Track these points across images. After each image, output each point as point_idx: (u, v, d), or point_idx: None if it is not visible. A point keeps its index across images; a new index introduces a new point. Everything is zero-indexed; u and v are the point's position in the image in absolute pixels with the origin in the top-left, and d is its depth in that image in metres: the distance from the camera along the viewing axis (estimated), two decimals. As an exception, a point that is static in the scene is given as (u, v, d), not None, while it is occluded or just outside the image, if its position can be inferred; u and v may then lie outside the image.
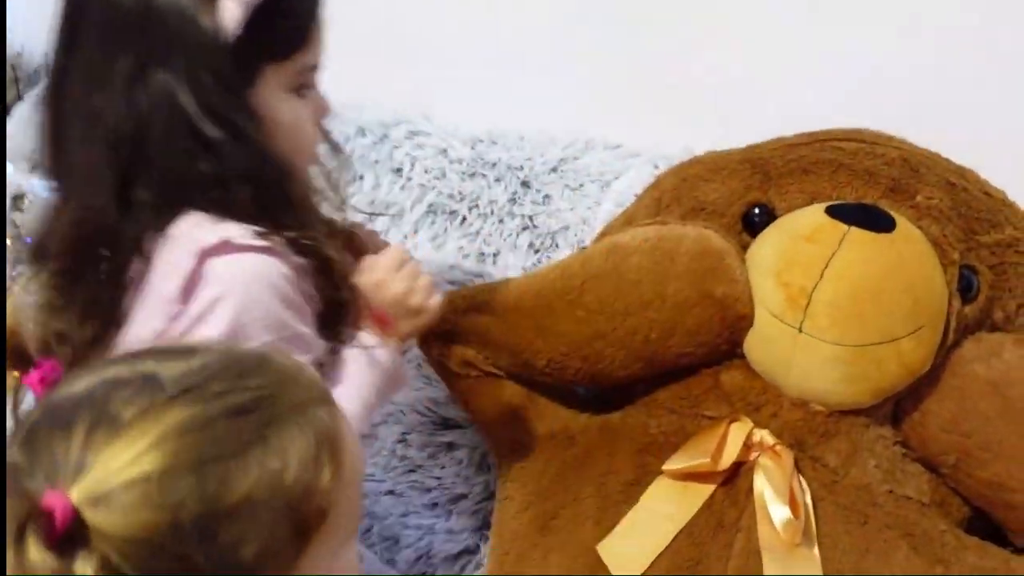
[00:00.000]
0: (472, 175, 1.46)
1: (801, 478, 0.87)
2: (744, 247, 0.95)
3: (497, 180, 1.44)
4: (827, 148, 0.98)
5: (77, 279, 0.75)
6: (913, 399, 0.90)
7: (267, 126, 0.75)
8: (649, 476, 0.91)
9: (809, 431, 0.90)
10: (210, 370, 0.47)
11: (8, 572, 0.40)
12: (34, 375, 0.56)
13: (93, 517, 0.41)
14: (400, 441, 1.10)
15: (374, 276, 0.82)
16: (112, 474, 0.42)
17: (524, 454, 1.00)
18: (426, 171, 1.48)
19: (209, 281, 0.72)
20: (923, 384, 0.89)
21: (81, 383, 0.46)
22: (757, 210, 0.97)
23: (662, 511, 0.86)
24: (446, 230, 1.43)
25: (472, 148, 1.49)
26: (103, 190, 0.72)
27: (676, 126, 1.45)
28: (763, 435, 0.89)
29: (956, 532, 0.90)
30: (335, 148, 0.89)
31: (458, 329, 1.00)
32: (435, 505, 1.04)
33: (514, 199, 1.41)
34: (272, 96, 0.76)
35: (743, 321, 0.91)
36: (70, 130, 0.75)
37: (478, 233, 1.41)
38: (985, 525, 0.92)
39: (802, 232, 0.88)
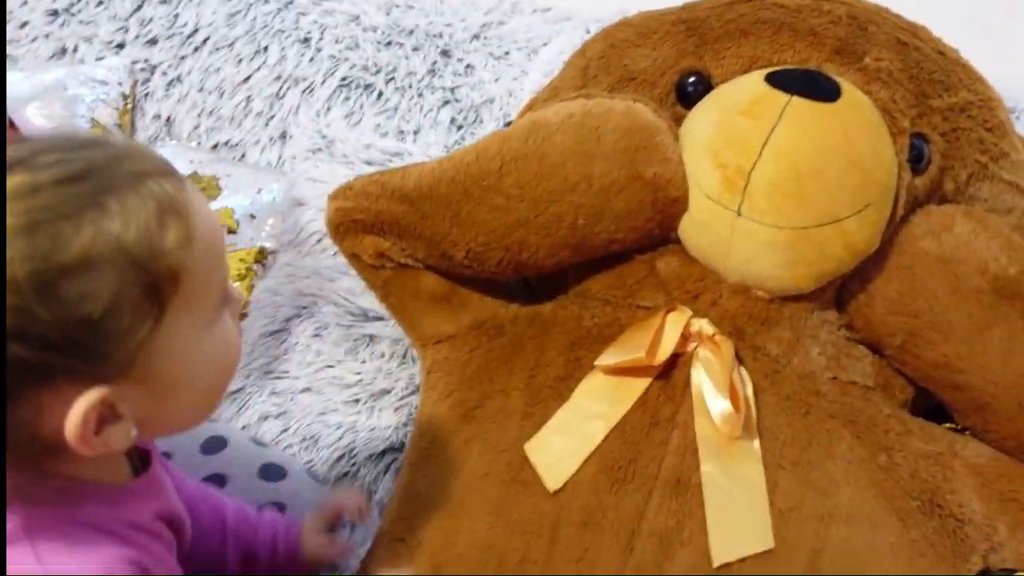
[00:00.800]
0: (388, 44, 1.34)
1: (742, 369, 0.82)
2: (678, 120, 0.87)
3: (415, 49, 1.33)
4: (768, 6, 0.89)
5: None
6: (859, 280, 0.84)
7: None
8: (581, 371, 0.85)
9: (750, 319, 0.84)
10: (39, 145, 0.49)
11: None
12: None
13: None
14: (315, 336, 1.03)
15: None
16: None
17: (448, 344, 0.93)
18: (337, 41, 1.35)
19: None
20: (870, 263, 0.83)
21: None
22: (692, 79, 0.89)
23: (594, 409, 0.81)
24: (361, 106, 1.32)
25: (387, 14, 1.37)
26: None
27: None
28: (702, 325, 0.83)
29: (900, 416, 0.86)
30: None
31: (370, 219, 0.92)
32: (356, 401, 0.97)
33: (434, 70, 1.30)
34: None
35: (677, 204, 0.83)
36: None
37: (396, 109, 1.30)
38: (928, 403, 0.89)
39: (739, 105, 0.80)
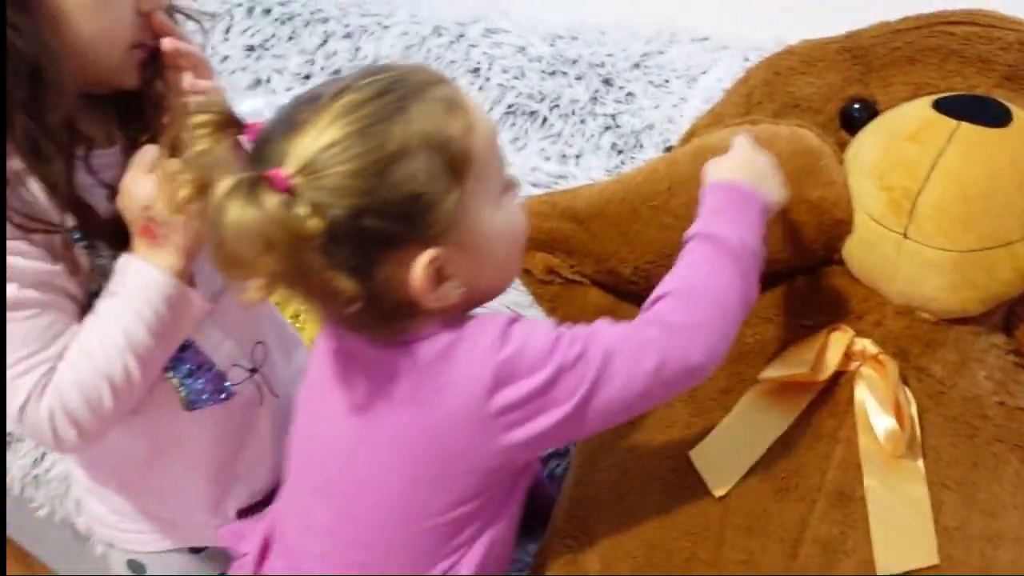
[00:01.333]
0: (552, 73, 1.42)
1: (906, 388, 0.84)
2: (842, 145, 0.89)
3: (578, 78, 1.40)
4: (936, 33, 0.90)
5: None
6: (1028, 303, 0.85)
7: (51, 14, 0.69)
8: (743, 384, 0.88)
9: (914, 340, 0.86)
10: (351, 77, 0.64)
11: (229, 217, 0.56)
12: (251, 133, 0.64)
13: (301, 180, 0.59)
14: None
15: (123, 180, 0.76)
16: (304, 150, 0.60)
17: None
18: (504, 71, 1.45)
19: None
20: (1041, 287, 0.83)
21: (276, 115, 0.64)
22: (857, 105, 0.91)
23: (757, 420, 0.84)
24: (526, 132, 1.40)
25: (551, 45, 1.45)
26: None
27: (768, 14, 1.37)
28: (865, 344, 0.85)
29: (1071, 443, 0.85)
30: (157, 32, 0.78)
31: (542, 236, 0.98)
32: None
33: (596, 98, 1.37)
34: None
35: (841, 226, 0.86)
36: None
37: (559, 134, 1.37)
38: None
39: (906, 129, 0.82)
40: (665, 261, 0.90)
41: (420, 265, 0.62)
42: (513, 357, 0.65)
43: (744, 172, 0.77)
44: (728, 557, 0.76)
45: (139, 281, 0.74)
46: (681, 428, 0.87)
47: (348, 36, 1.58)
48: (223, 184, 0.57)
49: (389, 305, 0.64)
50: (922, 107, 0.83)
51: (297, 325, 1.28)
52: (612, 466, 0.86)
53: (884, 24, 0.96)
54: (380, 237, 0.61)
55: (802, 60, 0.97)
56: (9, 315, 0.72)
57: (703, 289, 0.71)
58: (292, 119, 0.61)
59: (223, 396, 0.86)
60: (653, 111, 1.32)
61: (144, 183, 0.74)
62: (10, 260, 0.71)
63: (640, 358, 0.67)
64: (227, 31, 1.62)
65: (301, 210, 0.57)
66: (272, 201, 0.56)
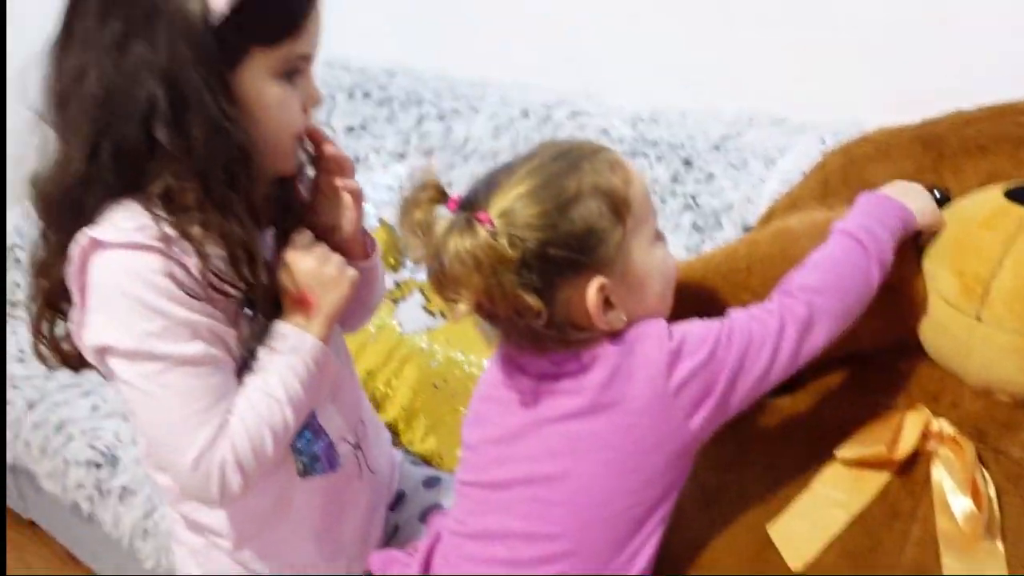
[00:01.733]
0: (634, 155, 1.48)
1: (984, 470, 0.85)
2: (918, 231, 0.93)
3: (659, 159, 1.46)
4: (1008, 122, 0.94)
5: (50, 237, 0.84)
6: (1107, 388, 0.85)
7: (251, 106, 0.80)
8: (820, 462, 0.90)
9: (991, 422, 0.87)
10: (536, 147, 0.80)
11: (451, 245, 0.72)
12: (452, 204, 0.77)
13: (500, 221, 0.73)
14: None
15: (286, 257, 0.88)
16: (502, 200, 0.74)
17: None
18: (589, 152, 1.51)
19: (89, 278, 0.79)
20: (1120, 373, 0.84)
21: (479, 180, 0.79)
22: (935, 194, 0.94)
23: (834, 497, 0.86)
24: (609, 210, 1.45)
25: (633, 127, 1.51)
26: (78, 146, 0.78)
27: (844, 98, 1.41)
28: (942, 425, 0.87)
29: None
30: (314, 137, 0.91)
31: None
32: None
33: (676, 178, 1.43)
34: (257, 79, 0.80)
35: (916, 307, 0.89)
36: (64, 83, 0.80)
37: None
38: None
39: (978, 217, 0.85)
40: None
41: (593, 289, 0.76)
42: (680, 343, 0.78)
43: (896, 189, 0.89)
44: (805, 631, 0.78)
45: (296, 343, 0.86)
46: (759, 503, 0.89)
47: (441, 118, 1.68)
48: (443, 223, 0.74)
49: (567, 323, 0.77)
50: (994, 195, 0.86)
51: (388, 391, 1.36)
52: (692, 538, 0.90)
53: (958, 113, 1.00)
54: (561, 263, 0.74)
55: (876, 148, 1.02)
56: (191, 370, 0.81)
57: (837, 279, 0.83)
58: (492, 180, 0.77)
59: (333, 466, 0.94)
60: (732, 192, 1.36)
61: (304, 260, 0.87)
62: (202, 320, 0.81)
63: (781, 332, 0.80)
64: (330, 113, 1.74)
65: (502, 240, 0.72)
66: (482, 232, 0.71)
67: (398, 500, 1.11)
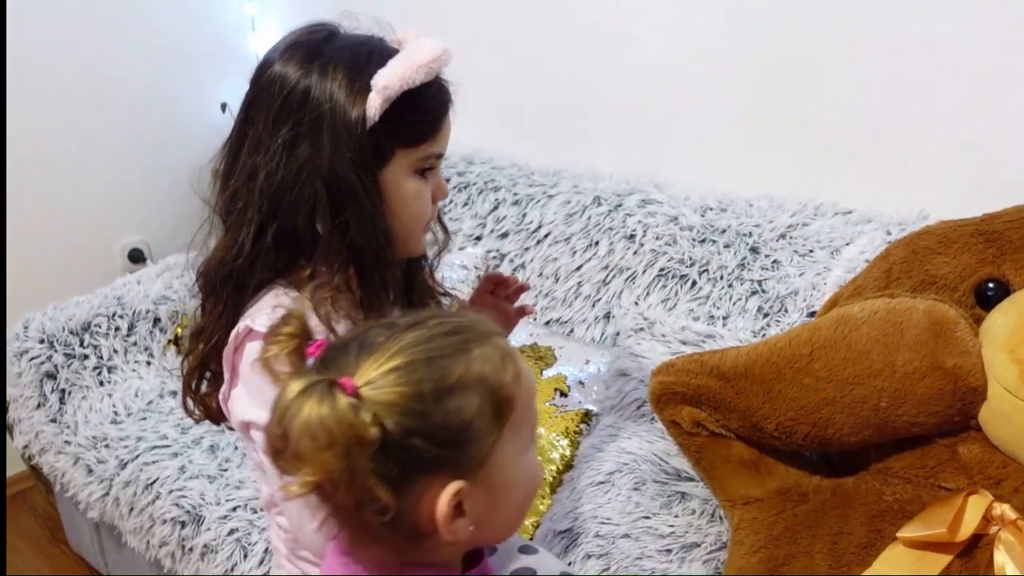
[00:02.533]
0: (702, 241, 1.54)
1: (1043, 552, 0.87)
2: (978, 320, 0.96)
3: (726, 246, 1.51)
4: (1067, 219, 0.98)
5: (211, 308, 0.94)
6: None
7: (391, 199, 0.90)
8: (882, 541, 0.93)
9: (1054, 508, 0.89)
10: (427, 314, 0.71)
11: (303, 413, 0.61)
12: (313, 347, 0.71)
13: (367, 392, 0.63)
14: (635, 489, 1.18)
15: None
16: (373, 366, 0.64)
17: (755, 506, 1.05)
18: (658, 238, 1.58)
19: (241, 360, 0.88)
20: None
21: (349, 335, 0.71)
22: (992, 284, 0.98)
23: (894, 577, 0.89)
24: (676, 293, 1.51)
25: (702, 216, 1.57)
26: (246, 231, 0.89)
27: (910, 190, 1.46)
28: (1004, 509, 0.89)
29: None
30: (443, 226, 1.05)
31: (689, 392, 1.08)
32: (669, 551, 1.10)
33: (743, 264, 1.48)
34: (399, 175, 0.91)
35: (975, 393, 0.92)
36: (237, 181, 0.91)
37: (708, 297, 1.48)
38: None
39: (1036, 308, 0.89)
40: (805, 419, 0.99)
41: (448, 493, 0.65)
42: None
43: None
44: None
45: None
46: (822, 579, 0.92)
47: (516, 203, 1.77)
48: (296, 384, 0.63)
49: (409, 525, 0.67)
50: (1052, 288, 0.90)
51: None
52: (755, 610, 0.92)
53: (1018, 208, 1.04)
54: (423, 458, 0.65)
55: (939, 240, 1.06)
56: None
57: None
58: (366, 339, 0.68)
59: None
60: (798, 278, 1.41)
61: None
62: None
63: None
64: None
65: (365, 416, 0.62)
66: (343, 402, 0.62)
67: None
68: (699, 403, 1.08)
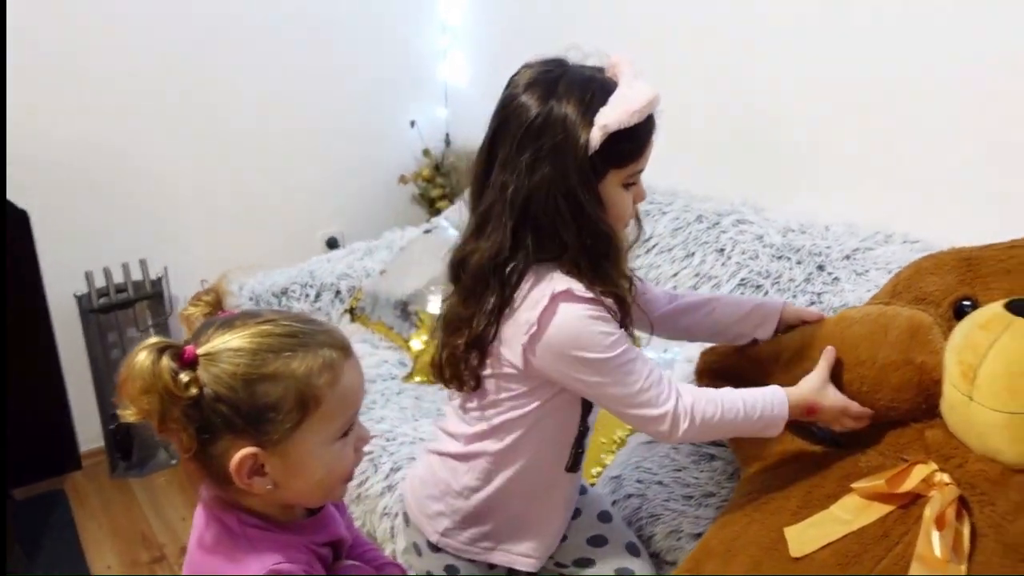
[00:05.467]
0: (779, 258, 1.78)
1: (967, 512, 1.08)
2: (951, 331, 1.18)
3: (798, 263, 1.75)
4: (1040, 251, 1.18)
5: (480, 295, 1.15)
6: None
7: (605, 206, 1.14)
8: (845, 494, 1.18)
9: (984, 479, 1.10)
10: (285, 316, 0.88)
11: (135, 359, 0.80)
12: (222, 315, 0.89)
13: (203, 360, 0.81)
14: (674, 448, 1.47)
15: (828, 387, 1.21)
16: (219, 342, 0.82)
17: (762, 463, 1.32)
18: (743, 252, 1.83)
19: (557, 314, 1.12)
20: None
21: (231, 315, 0.88)
22: (967, 303, 1.20)
23: (843, 517, 1.13)
24: (765, 300, 1.76)
25: (783, 236, 1.82)
26: (504, 233, 1.14)
27: (979, 221, 1.57)
28: (943, 476, 1.12)
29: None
30: (639, 222, 1.26)
31: (725, 369, 1.36)
32: (691, 498, 1.38)
33: (808, 279, 1.71)
34: (611, 188, 1.14)
35: (937, 386, 1.15)
36: (488, 194, 1.14)
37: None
38: None
39: (979, 320, 1.11)
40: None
41: (241, 453, 0.83)
42: None
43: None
44: (788, 598, 1.06)
45: (776, 399, 1.19)
46: (789, 515, 1.18)
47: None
48: (149, 340, 0.81)
49: (219, 469, 0.85)
50: (996, 306, 1.11)
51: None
52: (733, 531, 1.19)
53: (1008, 242, 1.25)
54: (229, 422, 0.82)
55: (935, 263, 1.29)
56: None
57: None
58: (232, 320, 0.86)
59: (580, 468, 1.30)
60: (850, 293, 1.63)
61: (836, 397, 1.22)
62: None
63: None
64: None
65: (184, 378, 0.79)
66: (165, 363, 0.79)
67: None
68: (732, 379, 1.35)
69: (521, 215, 1.11)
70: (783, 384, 1.26)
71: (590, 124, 1.07)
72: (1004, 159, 1.61)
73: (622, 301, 1.16)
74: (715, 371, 1.38)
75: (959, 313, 1.21)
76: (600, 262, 1.14)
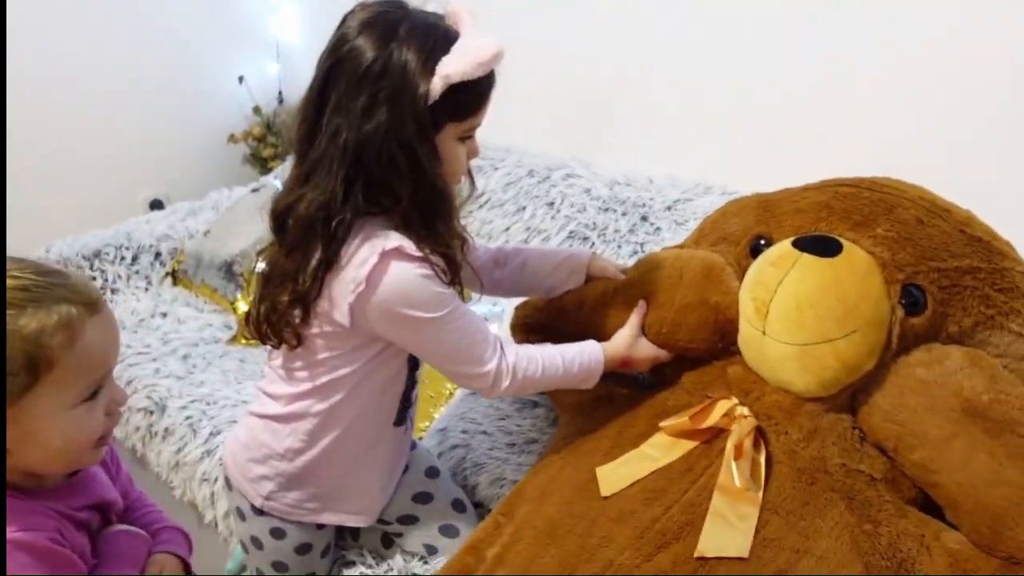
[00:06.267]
0: (606, 210, 1.81)
1: (764, 442, 1.13)
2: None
3: (623, 215, 1.78)
4: (827, 192, 1.23)
5: (305, 247, 1.08)
6: (865, 392, 1.12)
7: (440, 160, 1.10)
8: (655, 433, 1.20)
9: (779, 410, 1.15)
10: (29, 267, 0.81)
11: None
12: None
13: None
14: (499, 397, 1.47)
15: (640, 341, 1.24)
16: None
17: (578, 407, 1.34)
18: (571, 205, 1.85)
19: (387, 272, 1.07)
20: (873, 381, 1.11)
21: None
22: (762, 241, 1.24)
23: (651, 454, 1.15)
24: (578, 252, 1.78)
25: (610, 189, 1.85)
26: (334, 182, 1.07)
27: (791, 175, 1.68)
28: (742, 410, 1.16)
29: (900, 505, 1.10)
30: (472, 179, 1.23)
31: (538, 323, 1.36)
32: (513, 445, 1.39)
33: (632, 229, 1.74)
34: (448, 142, 1.11)
35: (732, 324, 1.19)
36: (319, 140, 1.06)
37: (601, 254, 1.74)
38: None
39: (770, 258, 1.15)
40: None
41: None
42: None
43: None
44: (594, 534, 1.07)
45: (594, 351, 1.21)
46: (601, 456, 1.19)
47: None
48: None
49: None
50: (785, 243, 1.15)
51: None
52: (548, 475, 1.20)
53: (802, 186, 1.30)
54: None
55: (738, 207, 1.33)
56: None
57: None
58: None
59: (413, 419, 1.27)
60: (670, 241, 1.67)
61: (648, 348, 1.25)
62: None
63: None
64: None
65: None
66: None
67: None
68: (544, 332, 1.36)
69: (353, 164, 1.05)
70: (587, 333, 1.27)
71: (431, 73, 1.03)
72: (807, 113, 1.69)
73: (451, 260, 1.13)
74: (528, 325, 1.39)
75: (755, 251, 1.25)
76: (432, 219, 1.10)
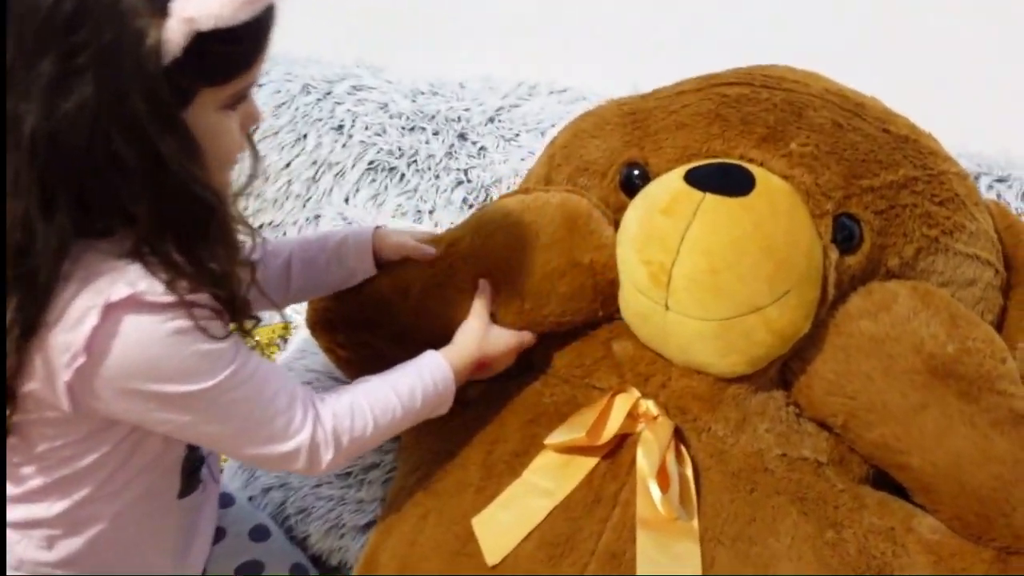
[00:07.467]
0: (411, 130, 1.45)
1: (684, 449, 0.86)
2: (623, 209, 0.91)
3: (435, 134, 1.43)
4: (711, 95, 0.93)
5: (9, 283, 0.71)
6: (799, 360, 0.87)
7: (197, 146, 0.71)
8: (536, 447, 0.89)
9: (695, 399, 0.88)
10: None
11: None
12: None
13: None
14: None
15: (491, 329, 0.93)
16: None
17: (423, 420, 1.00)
18: (367, 128, 1.47)
19: (117, 335, 0.70)
20: (808, 344, 0.86)
21: None
22: (636, 172, 0.94)
23: (541, 485, 0.86)
24: (386, 188, 1.42)
25: (413, 101, 1.48)
26: (24, 197, 0.68)
27: (627, 65, 1.40)
28: (648, 406, 0.87)
29: (855, 490, 0.87)
30: (254, 151, 0.84)
31: (340, 320, 1.01)
32: (348, 475, 1.06)
33: (451, 153, 1.40)
34: (205, 115, 0.71)
35: (614, 286, 0.90)
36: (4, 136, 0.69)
37: (416, 190, 1.40)
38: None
39: (660, 203, 0.84)
40: (455, 331, 0.93)
41: None
42: None
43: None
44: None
45: (434, 365, 0.89)
46: (472, 493, 0.88)
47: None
48: None
49: None
50: (675, 179, 0.85)
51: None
52: (403, 535, 0.88)
53: (678, 84, 0.99)
54: None
55: (595, 123, 1.00)
56: None
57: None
58: None
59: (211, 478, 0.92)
60: (502, 165, 1.34)
61: (505, 338, 0.94)
62: None
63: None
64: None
65: None
66: None
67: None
68: (357, 326, 1.00)
69: (49, 166, 0.67)
70: (424, 325, 0.94)
71: (163, 13, 0.64)
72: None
73: (229, 297, 0.75)
74: (331, 320, 1.01)
75: (628, 185, 0.95)
76: (192, 238, 0.72)
